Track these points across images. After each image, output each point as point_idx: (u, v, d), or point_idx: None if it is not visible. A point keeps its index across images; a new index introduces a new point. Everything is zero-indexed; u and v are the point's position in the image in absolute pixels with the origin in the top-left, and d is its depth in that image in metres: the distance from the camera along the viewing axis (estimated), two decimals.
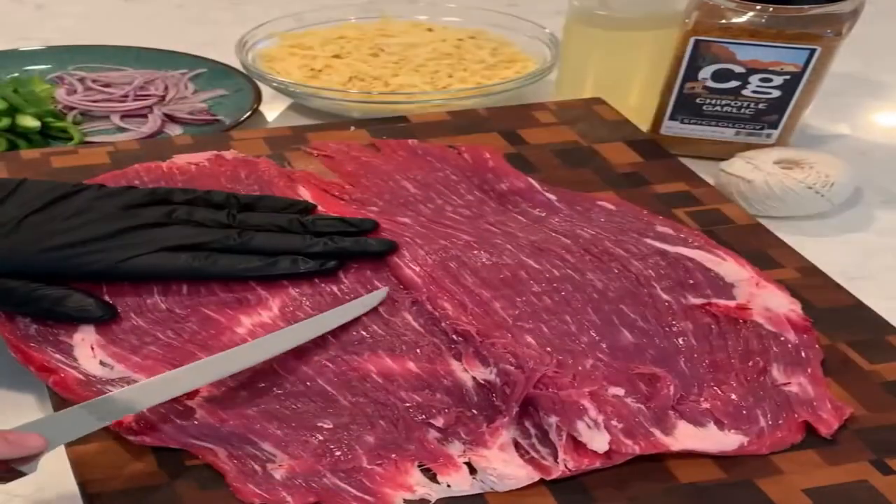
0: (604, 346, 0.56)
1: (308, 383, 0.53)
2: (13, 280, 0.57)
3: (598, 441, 0.49)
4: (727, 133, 0.80)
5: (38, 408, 0.55)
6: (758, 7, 0.74)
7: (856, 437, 0.52)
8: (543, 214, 0.69)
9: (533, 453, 0.49)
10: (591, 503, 0.48)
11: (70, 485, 0.48)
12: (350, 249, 0.62)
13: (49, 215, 0.61)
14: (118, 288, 0.59)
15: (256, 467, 0.48)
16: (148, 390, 0.49)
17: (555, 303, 0.59)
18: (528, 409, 0.51)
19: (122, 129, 0.85)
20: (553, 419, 0.49)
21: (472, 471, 0.49)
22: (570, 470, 0.48)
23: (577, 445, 0.49)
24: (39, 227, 0.60)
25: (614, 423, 0.50)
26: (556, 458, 0.49)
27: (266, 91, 0.89)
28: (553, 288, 0.60)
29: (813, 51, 0.74)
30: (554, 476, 0.48)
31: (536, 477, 0.48)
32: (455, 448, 0.50)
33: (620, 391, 0.53)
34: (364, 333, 0.57)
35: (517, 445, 0.50)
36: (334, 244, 0.62)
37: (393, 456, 0.49)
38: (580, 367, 0.54)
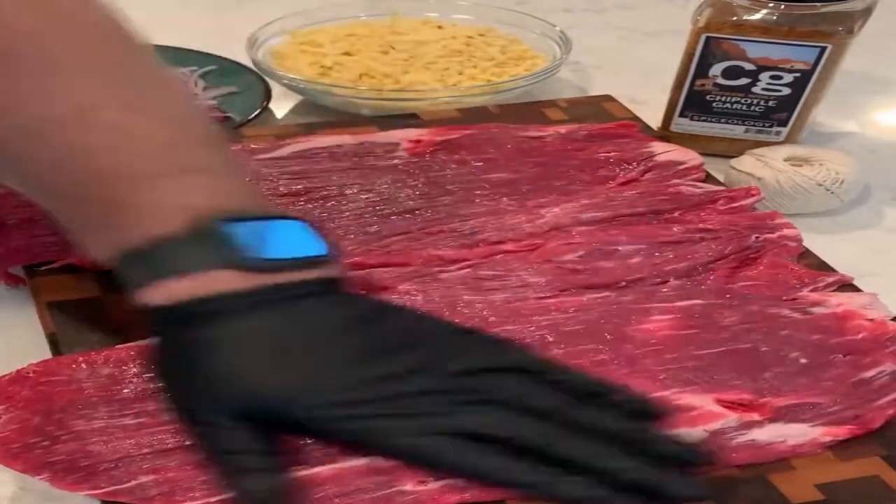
0: None
1: None
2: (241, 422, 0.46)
3: None
4: (737, 130, 0.80)
5: None
6: (770, 4, 0.74)
7: (868, 433, 0.52)
8: None
9: None
10: None
11: None
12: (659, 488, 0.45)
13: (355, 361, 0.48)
14: None
15: None
16: None
17: None
18: None
19: None
20: None
21: None
22: None
23: None
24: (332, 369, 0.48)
25: None
26: None
27: (276, 88, 0.90)
28: None
29: (823, 48, 0.74)
30: None
31: None
32: None
33: None
34: None
35: None
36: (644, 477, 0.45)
37: None
38: None
